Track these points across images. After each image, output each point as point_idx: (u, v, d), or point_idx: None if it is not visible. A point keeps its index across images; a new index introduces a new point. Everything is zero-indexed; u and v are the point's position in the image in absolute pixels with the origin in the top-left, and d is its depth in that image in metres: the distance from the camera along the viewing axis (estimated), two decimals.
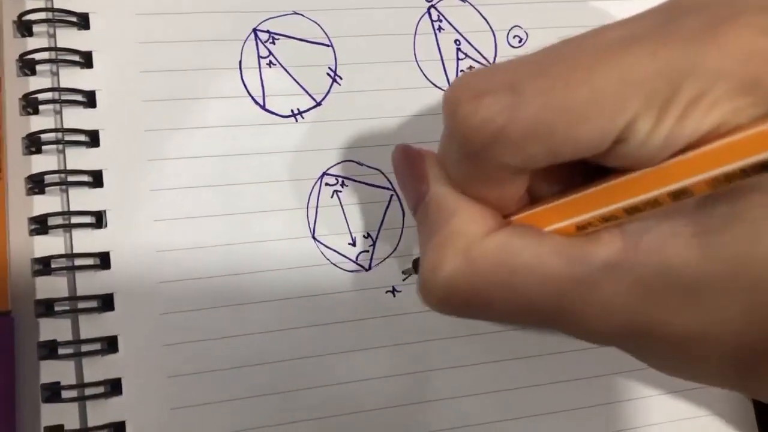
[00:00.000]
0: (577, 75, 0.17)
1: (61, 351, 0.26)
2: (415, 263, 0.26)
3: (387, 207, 0.30)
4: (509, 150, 0.18)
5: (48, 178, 0.27)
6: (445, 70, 0.31)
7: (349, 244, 0.29)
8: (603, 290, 0.19)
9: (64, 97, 0.27)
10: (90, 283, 0.27)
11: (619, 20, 0.18)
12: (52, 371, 0.26)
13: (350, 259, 0.29)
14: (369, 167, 0.30)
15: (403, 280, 0.29)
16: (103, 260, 0.27)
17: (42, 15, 0.28)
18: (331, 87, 0.30)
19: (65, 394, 0.26)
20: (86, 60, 0.28)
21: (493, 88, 0.17)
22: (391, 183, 0.30)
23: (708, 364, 0.19)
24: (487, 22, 0.32)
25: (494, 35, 0.32)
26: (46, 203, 0.27)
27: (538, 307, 0.19)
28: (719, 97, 0.16)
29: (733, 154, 0.16)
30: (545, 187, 0.21)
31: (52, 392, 0.26)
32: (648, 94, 0.16)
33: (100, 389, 0.26)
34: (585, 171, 0.19)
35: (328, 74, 0.30)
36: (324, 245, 0.29)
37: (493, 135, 0.17)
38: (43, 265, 0.26)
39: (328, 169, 0.29)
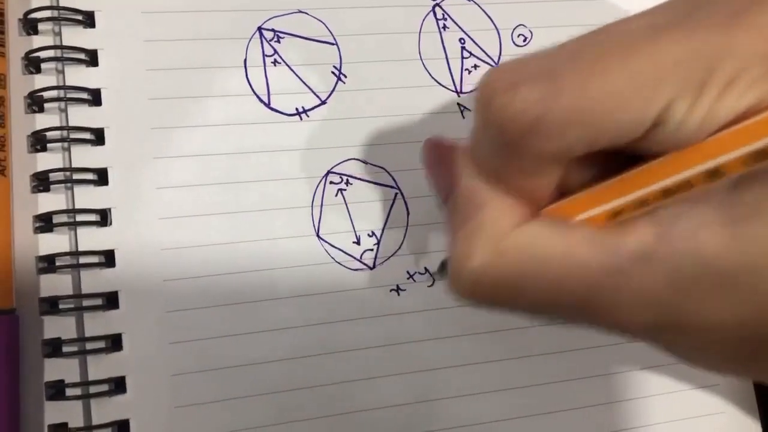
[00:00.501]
0: (613, 61, 0.17)
1: (65, 349, 0.26)
2: (443, 264, 0.25)
3: (392, 205, 0.29)
4: (546, 139, 0.17)
5: (53, 176, 0.26)
6: (449, 69, 0.30)
7: (353, 242, 0.29)
8: (635, 280, 0.18)
9: (69, 95, 0.27)
10: (95, 281, 0.26)
11: (641, 12, 0.18)
12: (57, 369, 0.25)
13: (355, 258, 0.28)
14: (374, 165, 0.29)
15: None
16: (108, 258, 0.27)
17: (47, 13, 0.27)
18: (335, 85, 0.29)
19: (69, 392, 0.25)
20: (92, 58, 0.28)
21: (529, 78, 0.17)
22: (395, 181, 0.29)
23: (741, 355, 0.19)
24: (492, 21, 0.31)
25: (499, 34, 0.31)
26: (51, 201, 0.26)
27: (567, 298, 0.19)
28: (755, 78, 0.16)
29: (766, 129, 0.16)
30: (576, 179, 0.20)
31: (57, 390, 0.25)
32: (685, 77, 0.16)
33: (105, 387, 0.26)
34: (617, 163, 0.19)
35: (333, 73, 0.30)
36: (328, 244, 0.28)
37: (531, 124, 0.17)
38: (48, 263, 0.26)
39: (332, 168, 0.29)
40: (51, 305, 0.26)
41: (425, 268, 0.29)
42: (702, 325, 0.18)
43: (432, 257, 0.29)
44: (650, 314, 0.18)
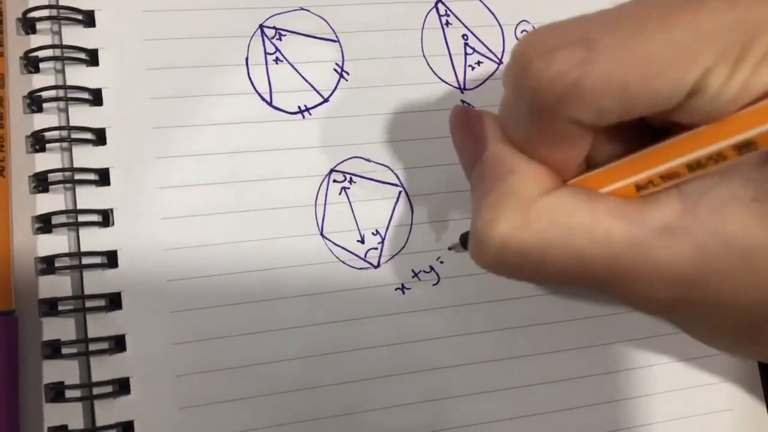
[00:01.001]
0: (651, 27, 0.16)
1: (64, 350, 0.25)
2: (463, 237, 0.25)
3: (396, 203, 0.28)
4: (582, 105, 0.17)
5: (52, 177, 0.26)
6: (452, 65, 0.30)
7: (357, 241, 0.28)
8: (660, 252, 0.18)
9: (70, 95, 0.26)
10: (97, 281, 0.26)
11: None
12: (56, 371, 0.25)
13: (359, 257, 0.28)
14: (377, 163, 0.28)
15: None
16: (111, 259, 0.26)
17: (46, 12, 0.27)
18: (338, 83, 0.29)
19: (69, 393, 0.25)
20: (92, 57, 0.27)
21: (567, 42, 0.17)
22: (399, 179, 0.28)
23: (763, 334, 0.19)
24: (495, 17, 0.30)
25: (502, 30, 0.30)
26: (51, 202, 0.26)
27: (591, 268, 0.18)
28: None
29: None
30: (604, 154, 0.20)
31: (56, 392, 0.25)
32: (723, 46, 0.16)
33: (108, 388, 0.25)
34: (644, 140, 0.19)
35: (335, 70, 0.29)
36: (332, 242, 0.27)
37: (567, 89, 0.17)
38: (47, 264, 0.25)
39: (335, 166, 0.28)
40: (50, 306, 0.25)
41: (437, 260, 0.28)
42: (725, 303, 0.18)
43: (438, 251, 0.28)
44: (672, 289, 0.18)
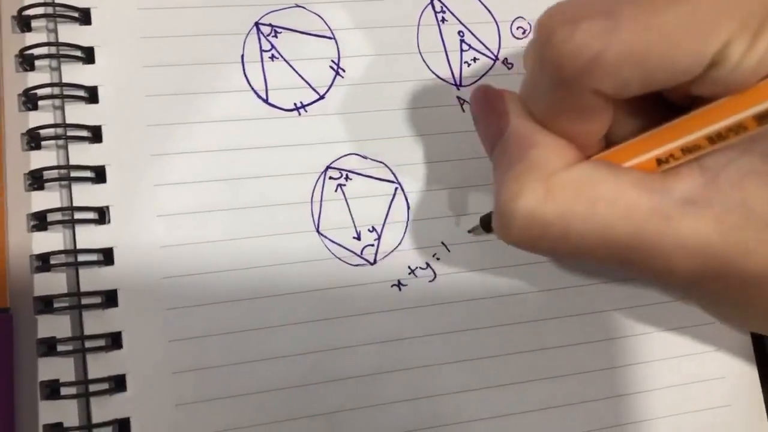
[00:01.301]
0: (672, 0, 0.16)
1: (60, 348, 0.25)
2: (484, 219, 0.25)
3: (392, 200, 0.28)
4: (604, 75, 0.17)
5: (48, 174, 0.26)
6: (449, 62, 0.29)
7: (353, 238, 0.27)
8: (683, 224, 0.18)
9: (66, 93, 0.26)
10: (93, 279, 0.25)
11: None
12: (52, 368, 0.24)
13: (355, 253, 0.27)
14: (373, 160, 0.28)
15: (468, 232, 0.28)
16: (107, 256, 0.26)
17: (42, 10, 0.26)
18: (334, 80, 0.28)
19: (64, 391, 0.24)
20: (88, 55, 0.27)
21: (589, 14, 0.17)
22: (395, 176, 0.28)
23: None
24: (491, 14, 0.30)
25: (498, 26, 0.30)
26: (46, 199, 0.26)
27: (615, 240, 0.19)
28: None
29: None
30: (625, 130, 0.20)
31: (52, 390, 0.24)
32: (743, 16, 0.16)
33: (104, 386, 0.25)
34: (664, 116, 0.19)
35: (331, 67, 0.28)
36: (329, 239, 0.27)
37: (590, 60, 0.17)
38: (43, 262, 0.25)
39: (332, 163, 0.28)
40: (45, 304, 0.25)
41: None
42: (746, 275, 0.18)
43: (435, 247, 0.28)
44: (695, 261, 0.18)
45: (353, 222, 0.28)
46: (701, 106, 0.18)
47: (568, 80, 0.18)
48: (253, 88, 0.28)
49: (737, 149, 0.18)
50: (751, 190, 0.18)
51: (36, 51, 0.26)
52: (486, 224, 0.26)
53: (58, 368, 0.24)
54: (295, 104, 0.28)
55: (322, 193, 0.28)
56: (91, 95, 0.26)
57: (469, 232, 0.28)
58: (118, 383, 0.25)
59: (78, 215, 0.25)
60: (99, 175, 0.26)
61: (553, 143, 0.19)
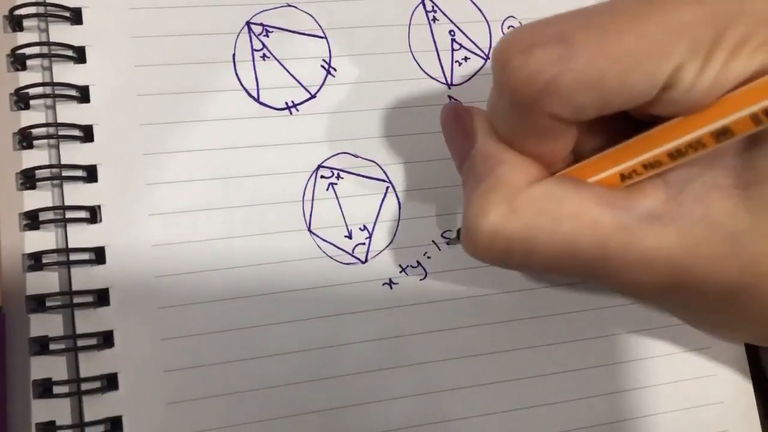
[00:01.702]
0: (625, 24, 0.17)
1: (52, 347, 0.25)
2: (460, 233, 0.25)
3: (383, 199, 0.28)
4: (560, 100, 0.17)
5: (40, 173, 0.25)
6: (440, 61, 0.29)
7: (345, 236, 0.27)
8: (646, 239, 0.18)
9: (57, 92, 0.26)
10: (85, 278, 0.25)
11: None
12: (44, 367, 0.24)
13: (346, 252, 0.27)
14: (365, 159, 0.28)
15: (447, 244, 0.28)
16: (99, 255, 0.26)
17: (33, 9, 0.26)
18: (325, 79, 0.28)
19: (57, 389, 0.24)
20: (79, 55, 0.27)
21: (543, 40, 0.17)
22: (387, 175, 0.28)
23: (748, 317, 0.19)
24: (482, 13, 0.30)
25: (489, 26, 0.30)
26: (38, 198, 0.25)
27: (580, 255, 0.19)
28: (762, 42, 0.16)
29: None
30: (588, 147, 0.20)
31: (44, 388, 0.24)
32: (694, 39, 0.16)
33: (96, 384, 0.25)
34: (628, 132, 0.19)
35: (323, 66, 0.28)
36: (320, 238, 0.27)
37: (544, 85, 0.17)
38: (35, 261, 0.25)
39: (323, 162, 0.28)
40: (38, 303, 0.25)
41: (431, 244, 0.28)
42: (711, 287, 0.18)
43: (426, 246, 0.28)
44: (660, 274, 0.18)
45: (344, 221, 0.28)
46: (663, 122, 0.18)
47: (525, 105, 0.18)
48: (244, 88, 0.28)
49: (701, 164, 0.18)
50: (714, 204, 0.18)
51: (27, 50, 0.26)
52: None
53: (50, 367, 0.24)
54: (286, 103, 0.28)
55: (313, 191, 0.27)
56: (83, 94, 0.26)
57: (448, 243, 0.28)
58: (110, 382, 0.25)
59: (70, 214, 0.25)
60: (91, 174, 0.26)
61: (518, 161, 0.20)
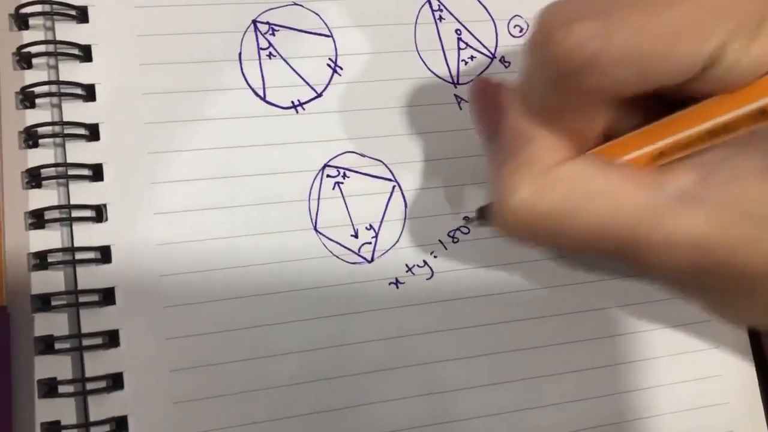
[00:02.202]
0: (669, 0, 0.16)
1: (57, 346, 0.24)
2: (480, 210, 0.25)
3: (389, 198, 0.28)
4: (600, 75, 0.17)
5: (45, 172, 0.25)
6: (446, 60, 0.29)
7: (351, 236, 0.27)
8: (676, 219, 0.18)
9: (63, 91, 0.26)
10: (91, 277, 0.25)
11: None
12: (49, 366, 0.24)
13: (353, 251, 0.27)
14: (371, 158, 0.28)
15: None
16: (104, 254, 0.25)
17: (39, 8, 0.26)
18: (331, 78, 0.28)
19: (62, 389, 0.24)
20: (85, 53, 0.26)
21: (587, 14, 0.17)
22: (393, 174, 0.28)
23: None
24: (488, 12, 0.30)
25: (495, 25, 0.30)
26: (43, 197, 0.25)
27: (609, 234, 0.18)
28: None
29: None
30: (622, 126, 0.20)
31: (49, 388, 0.24)
32: (740, 17, 0.16)
33: (102, 384, 0.25)
34: (662, 112, 0.19)
35: (329, 65, 0.28)
36: (326, 237, 0.27)
37: (586, 60, 0.17)
38: (40, 260, 0.25)
39: (329, 161, 0.27)
40: (43, 302, 0.25)
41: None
42: (738, 270, 0.18)
43: (432, 245, 0.28)
44: (689, 255, 0.18)
45: (351, 220, 0.27)
46: (698, 103, 0.18)
47: (565, 78, 0.18)
48: (250, 86, 0.27)
49: (732, 147, 0.18)
50: (745, 187, 0.18)
51: (33, 49, 0.26)
52: (483, 215, 0.26)
53: (55, 366, 0.24)
54: (292, 102, 0.28)
55: (319, 191, 0.27)
56: (89, 93, 0.26)
57: (465, 218, 0.28)
58: (115, 381, 0.25)
59: (75, 213, 0.25)
60: (96, 173, 0.26)
61: (549, 139, 0.19)
